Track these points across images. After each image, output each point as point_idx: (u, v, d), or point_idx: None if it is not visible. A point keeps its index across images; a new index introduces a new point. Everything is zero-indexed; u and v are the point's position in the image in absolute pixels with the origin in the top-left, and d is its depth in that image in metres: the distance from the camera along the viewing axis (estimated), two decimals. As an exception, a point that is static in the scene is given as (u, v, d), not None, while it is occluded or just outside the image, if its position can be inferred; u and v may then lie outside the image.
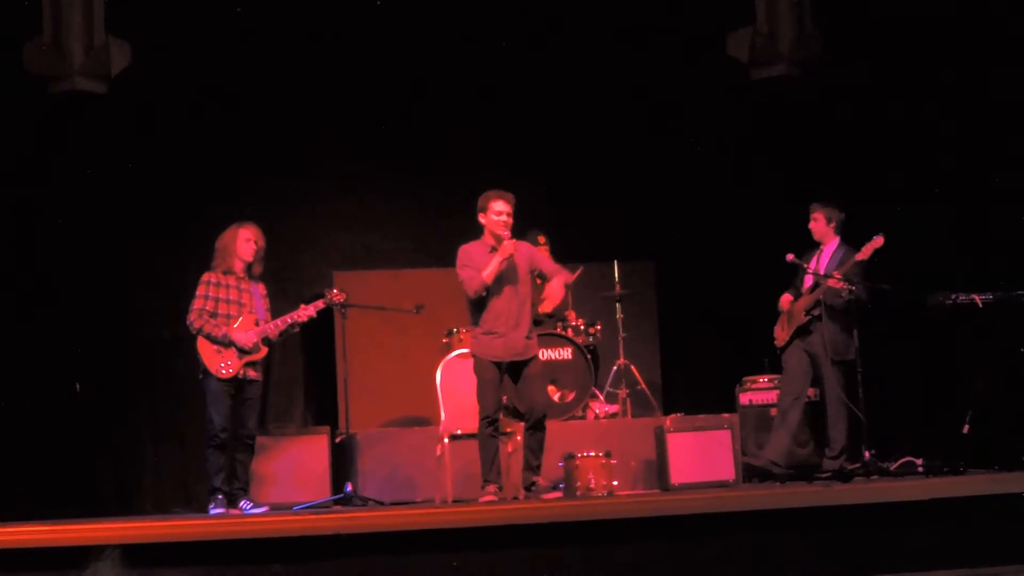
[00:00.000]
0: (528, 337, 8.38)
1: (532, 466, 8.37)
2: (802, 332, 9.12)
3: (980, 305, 8.62)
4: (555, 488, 8.82)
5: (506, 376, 8.34)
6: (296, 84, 10.52)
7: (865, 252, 8.77)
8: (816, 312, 8.99)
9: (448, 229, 11.06)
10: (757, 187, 10.26)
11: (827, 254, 9.17)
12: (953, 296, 8.65)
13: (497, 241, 8.34)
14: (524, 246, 8.51)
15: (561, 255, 10.53)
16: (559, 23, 10.69)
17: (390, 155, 10.86)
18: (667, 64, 10.83)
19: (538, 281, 9.03)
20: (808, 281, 9.19)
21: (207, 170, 10.32)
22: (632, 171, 10.93)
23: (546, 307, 9.56)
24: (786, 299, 9.31)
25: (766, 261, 9.44)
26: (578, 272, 10.15)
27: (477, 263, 8.30)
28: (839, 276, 8.79)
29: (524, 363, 8.37)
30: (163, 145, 10.27)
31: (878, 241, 8.75)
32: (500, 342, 8.29)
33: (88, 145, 10.09)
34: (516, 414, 8.59)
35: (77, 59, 9.87)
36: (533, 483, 8.33)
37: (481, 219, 8.43)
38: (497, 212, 8.36)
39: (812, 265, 9.20)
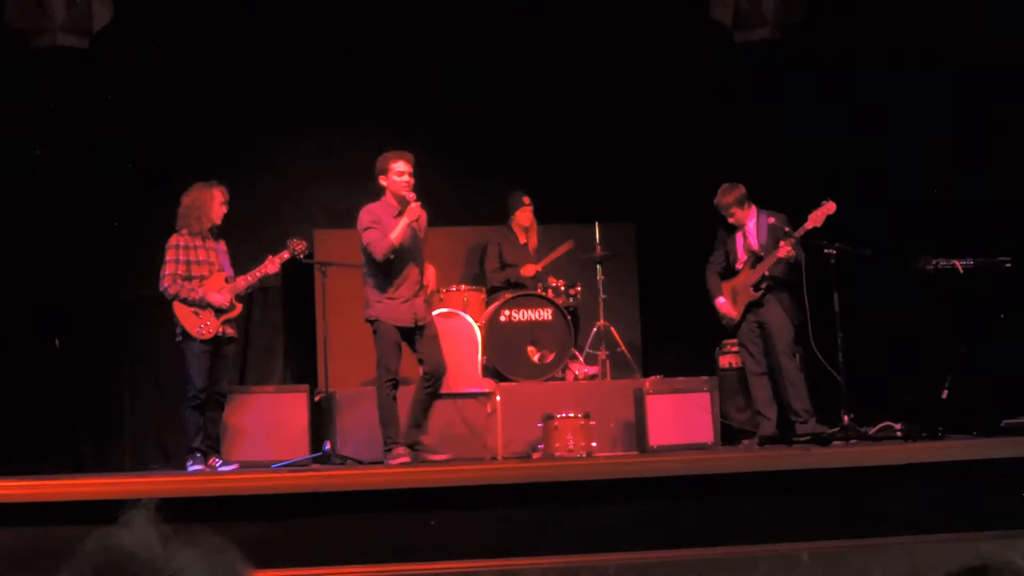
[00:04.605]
0: (426, 302, 8.55)
1: (420, 424, 8.46)
2: (753, 306, 9.06)
3: (961, 271, 8.63)
4: (534, 450, 8.83)
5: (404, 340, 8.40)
6: (279, 39, 10.42)
7: (818, 219, 8.74)
8: (764, 285, 8.98)
9: (428, 189, 11.04)
10: (741, 150, 10.21)
11: (752, 228, 9.13)
12: (935, 262, 8.66)
13: (401, 204, 8.28)
14: (422, 212, 8.43)
15: (543, 216, 10.53)
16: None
17: (374, 113, 10.78)
18: (649, 26, 10.76)
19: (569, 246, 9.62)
20: (742, 255, 9.14)
21: (189, 125, 10.23)
22: (614, 132, 10.88)
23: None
24: (715, 281, 9.29)
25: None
26: (568, 245, 10.23)
27: (385, 225, 8.22)
28: (797, 238, 8.75)
29: (424, 326, 8.42)
30: (144, 100, 10.19)
31: (830, 207, 8.72)
32: (406, 307, 8.33)
33: (68, 100, 10.01)
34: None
35: (59, 14, 9.79)
36: (418, 442, 8.38)
37: (382, 181, 8.37)
38: (399, 172, 8.32)
39: (740, 241, 9.17)
